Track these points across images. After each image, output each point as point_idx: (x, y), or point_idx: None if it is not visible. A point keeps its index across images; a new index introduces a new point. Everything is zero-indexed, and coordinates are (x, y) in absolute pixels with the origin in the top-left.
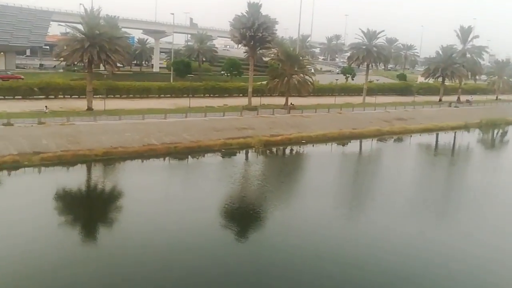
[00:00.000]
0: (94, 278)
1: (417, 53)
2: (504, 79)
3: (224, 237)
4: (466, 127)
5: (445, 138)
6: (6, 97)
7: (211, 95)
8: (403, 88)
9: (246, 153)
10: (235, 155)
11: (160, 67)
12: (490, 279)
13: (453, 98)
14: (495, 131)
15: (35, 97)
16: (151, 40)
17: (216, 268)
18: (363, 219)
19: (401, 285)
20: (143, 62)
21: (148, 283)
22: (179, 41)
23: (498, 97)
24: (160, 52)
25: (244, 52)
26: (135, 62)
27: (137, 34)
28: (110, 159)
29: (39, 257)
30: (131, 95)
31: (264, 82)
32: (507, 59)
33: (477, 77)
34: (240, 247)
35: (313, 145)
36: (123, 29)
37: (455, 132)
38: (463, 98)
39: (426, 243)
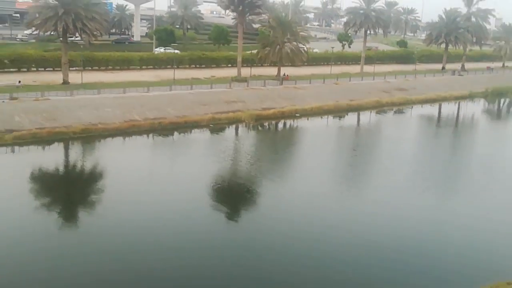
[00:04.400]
0: (73, 264)
1: (419, 17)
2: (510, 45)
3: (214, 217)
4: (471, 97)
5: (449, 108)
6: None
7: (197, 66)
8: (404, 56)
9: (236, 129)
10: (224, 130)
11: (141, 36)
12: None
13: (457, 65)
14: (502, 101)
15: (5, 70)
16: (130, 6)
17: (208, 248)
18: (364, 197)
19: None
20: (123, 31)
21: (134, 266)
22: (161, 7)
23: (505, 64)
24: (141, 19)
25: (233, 19)
26: (114, 30)
27: (115, 0)
28: (89, 136)
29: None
30: (110, 67)
31: (254, 51)
32: None
33: (483, 42)
34: (232, 227)
35: (307, 119)
36: None
37: (459, 103)
38: (482, 66)
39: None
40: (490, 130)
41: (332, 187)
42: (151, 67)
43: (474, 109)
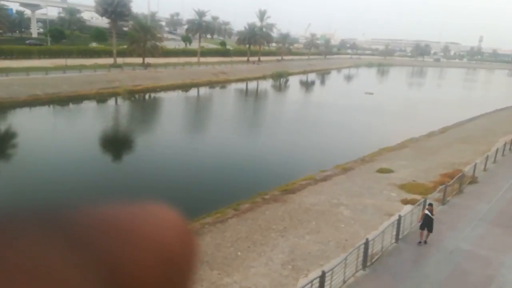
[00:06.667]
0: None
1: (232, 28)
2: (285, 46)
3: (102, 153)
4: (264, 78)
5: (251, 85)
6: None
7: (84, 56)
8: (224, 51)
9: (116, 99)
10: (107, 101)
11: (38, 34)
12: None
13: (256, 58)
14: (281, 79)
15: None
16: (28, 11)
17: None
18: (200, 137)
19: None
20: (22, 30)
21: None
22: (52, 12)
23: (282, 58)
24: (37, 21)
25: (107, 23)
26: (16, 31)
27: (15, 7)
28: (1, 107)
29: None
30: (14, 56)
31: (125, 46)
32: (287, 32)
33: (269, 44)
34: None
35: (165, 92)
36: (2, 2)
37: (257, 81)
38: (270, 58)
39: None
40: (273, 96)
41: (174, 130)
42: (48, 57)
43: (266, 84)
